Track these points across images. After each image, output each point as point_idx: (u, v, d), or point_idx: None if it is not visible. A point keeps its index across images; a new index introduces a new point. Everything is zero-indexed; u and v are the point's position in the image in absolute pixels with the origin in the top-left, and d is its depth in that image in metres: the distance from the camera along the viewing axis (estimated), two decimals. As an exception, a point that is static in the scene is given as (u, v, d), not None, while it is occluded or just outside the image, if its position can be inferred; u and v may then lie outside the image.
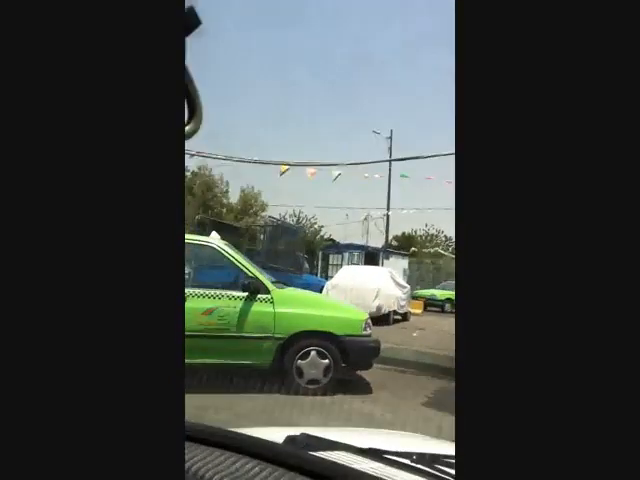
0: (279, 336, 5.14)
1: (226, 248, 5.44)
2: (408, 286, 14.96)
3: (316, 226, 36.54)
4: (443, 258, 29.72)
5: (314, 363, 5.16)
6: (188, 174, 26.81)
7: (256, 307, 5.14)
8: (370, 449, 1.02)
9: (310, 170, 12.17)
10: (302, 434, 1.07)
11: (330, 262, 22.14)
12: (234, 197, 35.24)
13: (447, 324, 13.71)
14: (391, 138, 26.33)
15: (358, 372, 5.84)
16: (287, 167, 12.06)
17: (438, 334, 11.34)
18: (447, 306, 19.97)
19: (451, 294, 20.51)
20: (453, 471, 0.90)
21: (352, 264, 19.33)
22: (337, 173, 12.35)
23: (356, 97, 50.49)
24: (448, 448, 1.41)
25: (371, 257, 21.17)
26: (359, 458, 0.99)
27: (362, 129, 51.99)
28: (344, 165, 12.44)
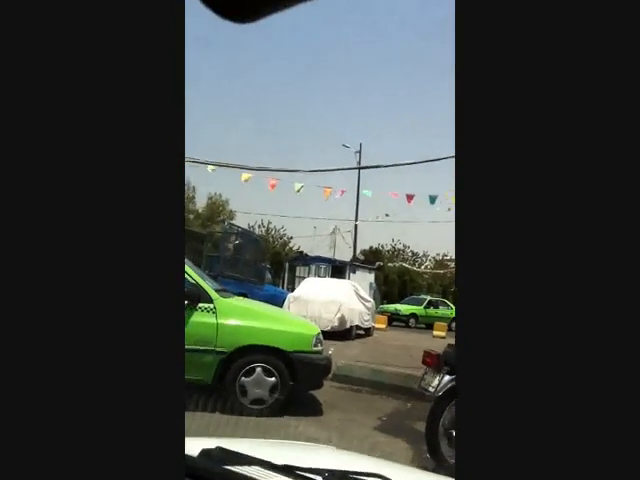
0: (221, 350, 4.67)
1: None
2: (372, 300, 14.62)
3: (285, 238, 36.20)
4: (409, 273, 29.60)
5: (259, 381, 4.70)
6: None
7: (196, 317, 4.68)
8: (284, 466, 1.05)
9: (271, 182, 11.90)
10: (217, 447, 1.09)
11: (297, 274, 21.80)
12: (200, 204, 34.71)
13: (411, 340, 13.43)
14: (360, 152, 26.18)
15: (310, 392, 5.42)
16: (250, 175, 11.79)
17: (401, 350, 11.02)
18: (411, 321, 19.78)
19: (416, 309, 20.34)
20: None
21: (319, 277, 18.99)
22: (300, 185, 12.08)
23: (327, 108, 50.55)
24: (361, 462, 1.52)
25: (338, 270, 20.89)
26: (272, 473, 1.03)
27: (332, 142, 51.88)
28: (305, 172, 12.18)
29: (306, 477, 1.01)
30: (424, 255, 37.03)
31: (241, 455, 1.06)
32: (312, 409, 5.17)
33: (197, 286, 4.78)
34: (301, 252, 28.60)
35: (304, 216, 28.58)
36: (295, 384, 4.89)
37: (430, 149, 49.38)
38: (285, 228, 35.01)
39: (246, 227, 23.00)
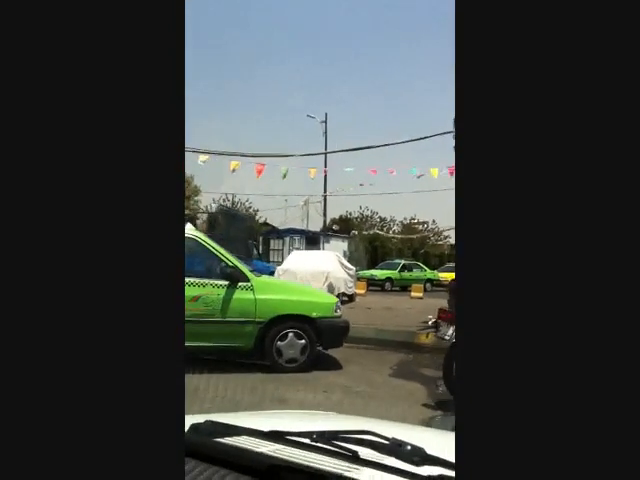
0: (260, 320, 5.57)
1: (207, 239, 5.80)
2: (354, 268, 15.60)
3: (251, 210, 36.60)
4: (379, 239, 30.70)
5: (292, 343, 5.64)
6: None
7: (238, 294, 5.55)
8: (272, 431, 1.04)
9: (233, 163, 11.14)
10: (206, 421, 1.08)
11: (271, 247, 22.48)
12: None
13: (391, 302, 14.53)
14: (326, 122, 26.28)
15: (329, 350, 6.37)
16: (207, 157, 11.40)
17: (387, 312, 12.09)
18: (387, 285, 20.85)
19: (391, 273, 21.40)
20: (350, 445, 0.95)
21: (294, 248, 19.79)
22: (285, 169, 11.75)
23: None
24: (348, 423, 1.50)
25: (312, 241, 21.67)
26: (262, 441, 1.01)
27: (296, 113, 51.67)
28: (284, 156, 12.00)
29: (295, 441, 1.01)
30: (391, 220, 38.16)
31: (230, 426, 1.05)
32: (334, 364, 6.14)
33: (236, 268, 5.64)
34: (267, 224, 29.03)
35: (271, 193, 28.76)
36: (320, 344, 5.85)
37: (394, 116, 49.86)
38: (251, 202, 35.20)
39: (211, 202, 23.27)
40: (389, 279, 21.02)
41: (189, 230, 5.92)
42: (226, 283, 5.54)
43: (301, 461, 0.91)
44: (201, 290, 5.44)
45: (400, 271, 21.57)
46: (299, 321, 5.69)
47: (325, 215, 27.99)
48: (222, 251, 5.78)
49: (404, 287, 19.83)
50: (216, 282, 5.53)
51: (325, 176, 25.75)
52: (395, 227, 37.56)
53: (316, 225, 27.46)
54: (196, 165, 11.05)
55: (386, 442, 0.95)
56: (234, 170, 11.42)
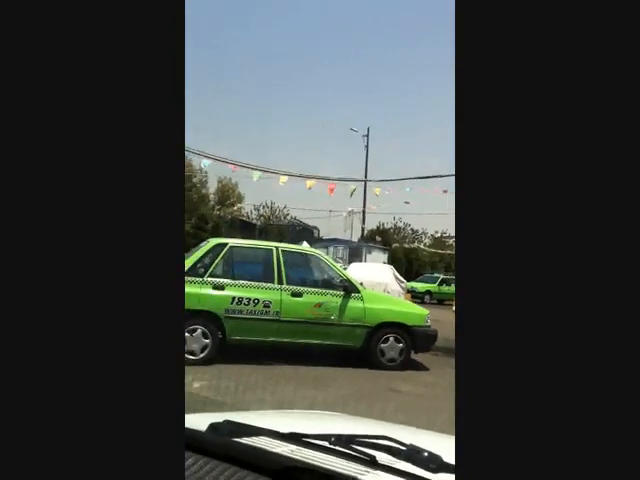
0: (368, 325, 6.75)
1: (327, 257, 7.03)
2: (405, 281, 16.70)
3: (289, 217, 37.81)
4: (415, 252, 31.68)
5: (392, 346, 6.81)
6: None
7: (351, 303, 6.73)
8: (290, 433, 1.04)
9: (282, 179, 13.06)
10: (224, 421, 1.08)
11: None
12: (211, 187, 36.03)
13: (436, 315, 15.48)
14: (368, 136, 26.80)
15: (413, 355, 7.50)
16: (286, 178, 13.11)
17: (436, 323, 13.09)
18: (426, 297, 21.89)
19: (430, 286, 22.44)
20: (368, 450, 0.94)
21: (337, 258, 20.86)
22: (311, 182, 13.33)
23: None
24: (369, 426, 1.55)
25: (355, 252, 22.71)
26: (279, 442, 1.01)
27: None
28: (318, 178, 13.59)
29: (313, 443, 1.00)
30: (423, 233, 39.06)
31: (248, 426, 1.05)
32: (422, 366, 7.28)
33: (350, 282, 6.83)
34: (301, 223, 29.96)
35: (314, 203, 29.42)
36: (414, 349, 7.00)
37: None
38: (288, 209, 36.13)
39: (252, 207, 24.24)
40: (428, 292, 22.10)
41: (310, 249, 7.16)
42: (342, 293, 6.72)
43: (318, 463, 0.90)
44: (323, 298, 6.63)
45: (439, 285, 22.60)
46: (398, 328, 6.85)
47: (363, 228, 28.95)
48: (338, 267, 6.98)
49: (441, 300, 20.90)
50: (334, 292, 6.71)
51: (365, 194, 26.51)
52: (426, 240, 38.54)
53: (353, 235, 28.45)
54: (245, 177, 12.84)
55: (403, 448, 0.95)
56: (284, 183, 13.25)
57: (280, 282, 6.52)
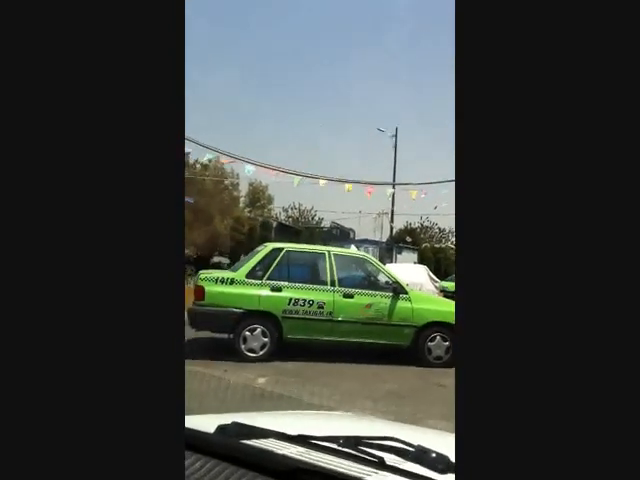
0: (416, 324, 7.12)
1: (374, 259, 7.42)
2: (439, 281, 16.98)
3: (317, 217, 38.23)
4: (443, 251, 31.81)
5: (439, 345, 7.17)
6: (198, 166, 28.24)
7: (399, 303, 7.12)
8: (298, 435, 1.04)
9: (321, 181, 14.01)
10: (233, 423, 1.08)
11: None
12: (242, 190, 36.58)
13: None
14: (396, 136, 26.56)
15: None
16: (325, 181, 13.97)
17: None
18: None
19: (461, 286, 22.47)
20: (375, 451, 0.95)
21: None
22: (349, 185, 14.15)
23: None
24: (375, 427, 1.55)
25: (386, 252, 22.94)
26: (287, 444, 1.02)
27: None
28: (352, 182, 14.34)
29: (320, 445, 1.00)
30: (450, 232, 39.02)
31: (255, 428, 1.05)
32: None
33: (398, 283, 7.22)
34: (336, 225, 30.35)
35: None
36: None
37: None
38: (316, 209, 36.45)
39: (280, 209, 24.66)
40: (459, 291, 22.15)
41: (358, 252, 7.56)
42: (390, 294, 7.11)
43: (326, 465, 0.90)
44: (373, 299, 7.03)
45: (470, 284, 22.59)
46: (444, 327, 7.20)
47: (391, 228, 29.17)
48: (387, 269, 7.38)
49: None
50: (383, 293, 7.11)
51: (393, 197, 26.56)
52: (453, 239, 38.49)
53: (381, 235, 28.70)
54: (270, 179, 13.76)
55: (411, 449, 0.95)
56: (321, 186, 14.11)
57: (333, 284, 6.94)
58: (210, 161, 18.84)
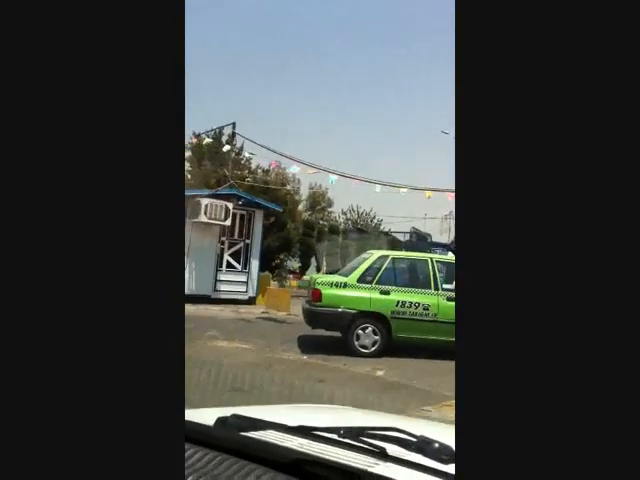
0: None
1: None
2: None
3: (375, 220, 38.64)
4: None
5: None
6: (259, 171, 29.16)
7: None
8: (299, 426, 1.04)
9: (378, 186, 15.53)
10: (232, 415, 1.07)
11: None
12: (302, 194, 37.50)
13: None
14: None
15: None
16: (381, 187, 15.36)
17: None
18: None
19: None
20: (377, 442, 0.94)
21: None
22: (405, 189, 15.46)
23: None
24: (374, 419, 1.58)
25: (454, 253, 22.99)
26: (288, 436, 1.01)
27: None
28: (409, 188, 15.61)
29: (322, 436, 0.99)
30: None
31: (256, 420, 1.04)
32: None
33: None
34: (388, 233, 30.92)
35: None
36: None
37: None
38: (375, 211, 36.98)
39: (340, 212, 25.44)
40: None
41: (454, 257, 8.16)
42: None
43: (328, 456, 0.89)
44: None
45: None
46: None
47: (449, 230, 29.39)
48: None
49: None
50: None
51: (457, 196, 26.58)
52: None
53: (448, 237, 28.85)
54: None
55: (414, 439, 0.95)
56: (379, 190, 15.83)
57: (436, 288, 7.59)
58: (289, 171, 20.03)
